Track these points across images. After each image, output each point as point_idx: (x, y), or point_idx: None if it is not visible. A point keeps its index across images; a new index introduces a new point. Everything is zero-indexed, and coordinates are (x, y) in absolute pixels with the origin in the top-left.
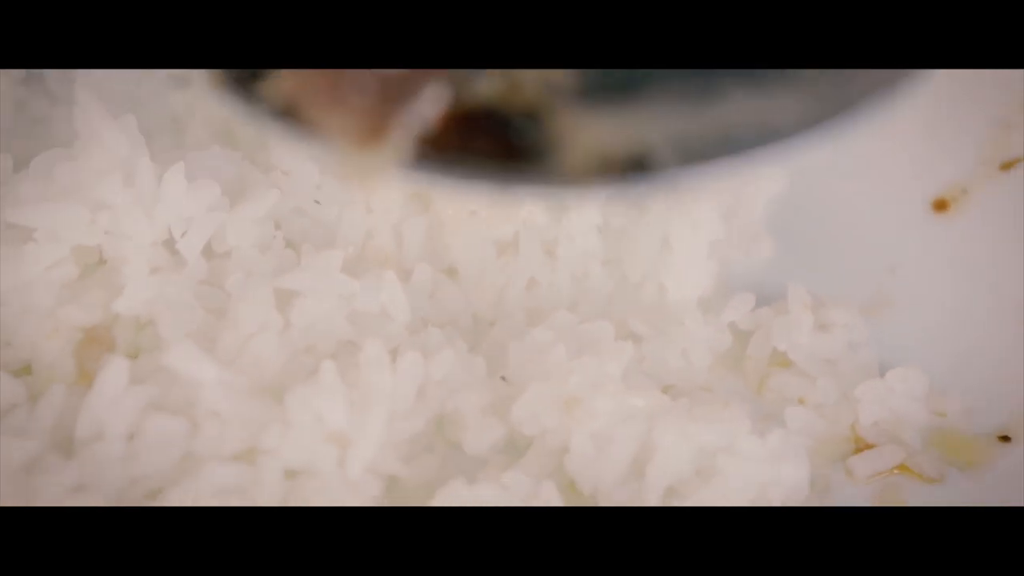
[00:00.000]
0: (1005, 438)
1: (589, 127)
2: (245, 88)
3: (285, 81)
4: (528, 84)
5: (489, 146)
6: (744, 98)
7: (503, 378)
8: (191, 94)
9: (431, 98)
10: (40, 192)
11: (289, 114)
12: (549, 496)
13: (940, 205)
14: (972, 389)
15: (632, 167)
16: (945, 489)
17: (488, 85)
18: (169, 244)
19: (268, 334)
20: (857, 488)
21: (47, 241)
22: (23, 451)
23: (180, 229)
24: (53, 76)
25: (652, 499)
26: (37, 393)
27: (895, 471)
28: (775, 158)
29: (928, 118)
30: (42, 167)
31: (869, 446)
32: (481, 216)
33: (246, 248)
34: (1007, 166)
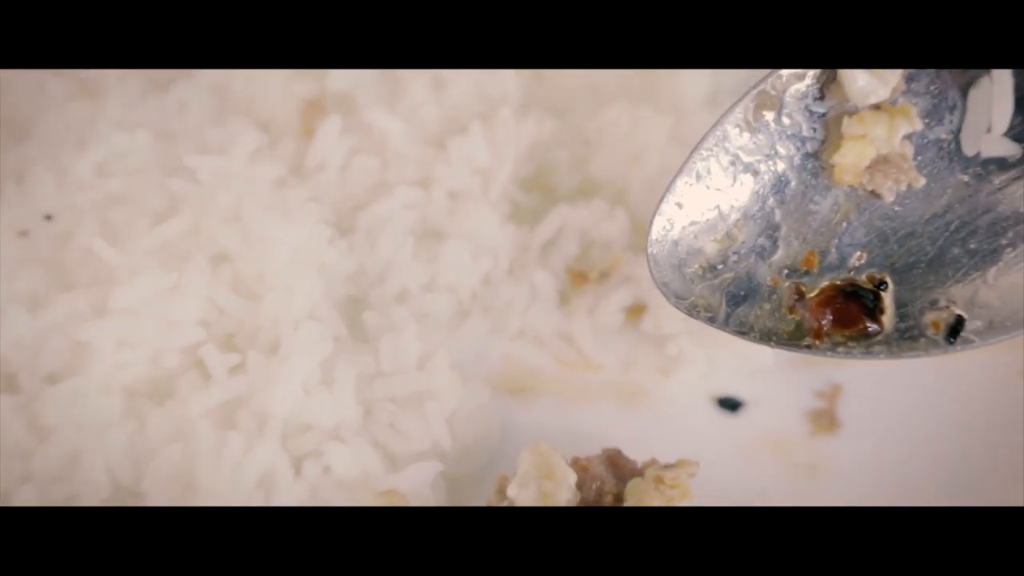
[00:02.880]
0: None
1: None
2: None
3: None
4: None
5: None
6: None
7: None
8: None
9: None
10: None
11: None
12: (618, 216)
13: None
14: None
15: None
16: None
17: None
18: None
19: (430, 104)
20: None
21: None
22: (272, 173)
23: None
24: None
25: None
26: (275, 140)
27: None
28: None
29: None
30: None
31: None
32: None
33: None
34: None
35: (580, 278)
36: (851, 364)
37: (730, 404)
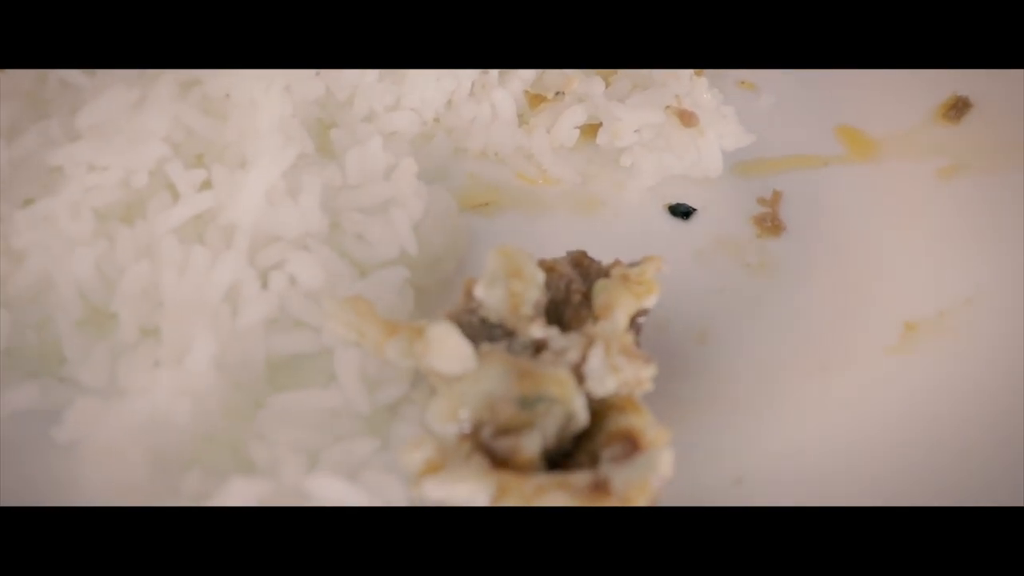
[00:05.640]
0: None
1: None
2: None
3: None
4: None
5: None
6: None
7: None
8: None
9: None
10: None
11: None
12: None
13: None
14: None
15: None
16: None
17: None
18: None
19: None
20: None
21: None
22: None
23: None
24: None
25: None
26: None
27: None
28: None
29: None
30: None
31: None
32: None
33: None
34: None
35: (537, 99)
36: (789, 171)
37: (682, 211)
